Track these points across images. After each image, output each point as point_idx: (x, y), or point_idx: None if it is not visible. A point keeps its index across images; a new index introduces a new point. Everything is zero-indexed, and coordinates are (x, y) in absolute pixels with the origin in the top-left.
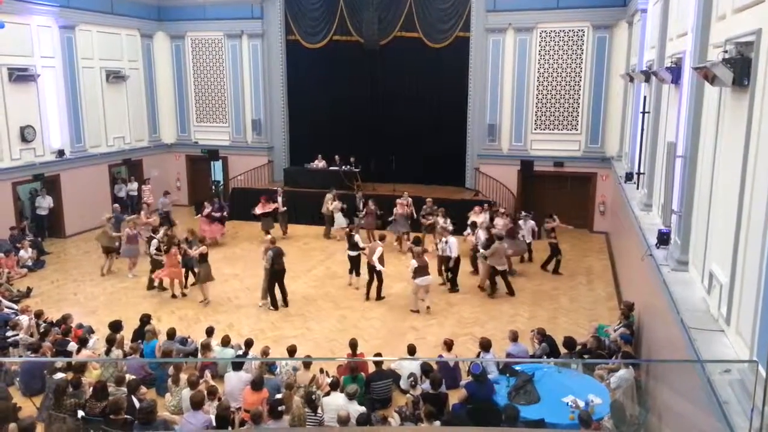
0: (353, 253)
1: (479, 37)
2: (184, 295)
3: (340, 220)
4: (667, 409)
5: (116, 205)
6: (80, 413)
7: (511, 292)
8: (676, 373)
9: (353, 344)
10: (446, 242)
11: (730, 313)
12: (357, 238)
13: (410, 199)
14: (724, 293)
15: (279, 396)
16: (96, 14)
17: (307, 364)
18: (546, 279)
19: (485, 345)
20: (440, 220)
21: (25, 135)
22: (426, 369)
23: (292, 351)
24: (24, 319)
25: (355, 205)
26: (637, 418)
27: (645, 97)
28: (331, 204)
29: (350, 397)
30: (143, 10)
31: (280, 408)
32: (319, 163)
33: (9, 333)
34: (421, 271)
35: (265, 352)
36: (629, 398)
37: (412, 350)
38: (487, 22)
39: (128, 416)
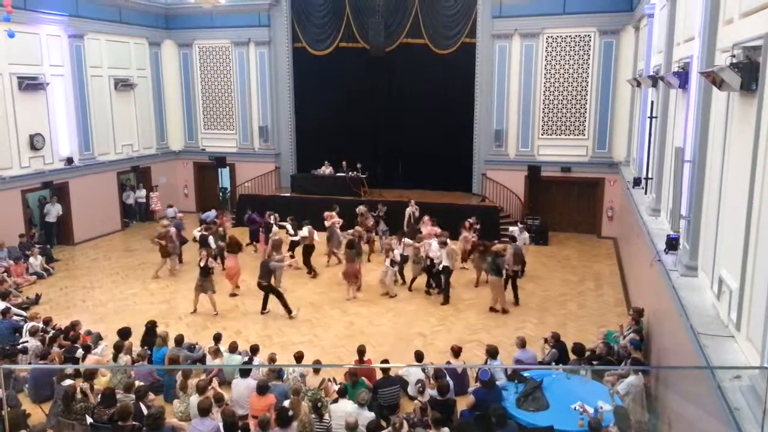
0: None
1: (485, 43)
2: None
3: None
4: (677, 415)
5: (180, 214)
6: (89, 419)
7: (427, 292)
8: (685, 380)
9: (361, 351)
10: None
11: (740, 319)
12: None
13: (417, 207)
14: (734, 299)
15: (286, 402)
16: (104, 23)
17: (316, 369)
18: (554, 285)
19: (492, 352)
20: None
21: (34, 143)
22: (439, 375)
23: (299, 357)
24: (36, 326)
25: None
26: (646, 424)
27: (652, 102)
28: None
29: (361, 404)
30: (151, 18)
31: (289, 414)
32: (326, 170)
33: (21, 340)
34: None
35: (272, 359)
36: (639, 405)
37: (419, 356)
38: (494, 28)
39: (136, 423)
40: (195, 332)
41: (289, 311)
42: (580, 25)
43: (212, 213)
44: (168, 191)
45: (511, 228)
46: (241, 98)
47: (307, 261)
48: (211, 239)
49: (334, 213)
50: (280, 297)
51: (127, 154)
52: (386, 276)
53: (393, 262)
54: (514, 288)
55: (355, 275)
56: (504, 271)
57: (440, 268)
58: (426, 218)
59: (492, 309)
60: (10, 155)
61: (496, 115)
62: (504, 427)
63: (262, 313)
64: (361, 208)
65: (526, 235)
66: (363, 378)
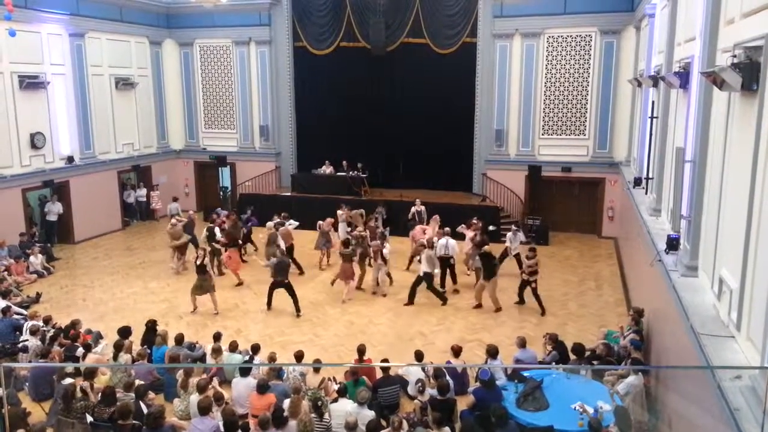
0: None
1: (486, 42)
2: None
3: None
4: (677, 415)
5: (191, 211)
6: (89, 418)
7: (410, 302)
8: (686, 380)
9: (361, 350)
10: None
11: (740, 319)
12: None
13: (423, 207)
14: (735, 299)
15: (287, 401)
16: (105, 22)
17: (316, 368)
18: (555, 284)
19: (492, 352)
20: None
21: (35, 142)
22: (439, 374)
23: (299, 356)
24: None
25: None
26: (646, 424)
27: (653, 102)
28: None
29: (361, 402)
30: (152, 17)
31: (284, 415)
32: (327, 169)
33: (21, 338)
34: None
35: (272, 358)
36: (638, 405)
37: (419, 356)
38: (494, 27)
39: (136, 421)
40: (195, 331)
41: (298, 310)
42: (581, 24)
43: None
44: (168, 190)
45: (508, 234)
46: (242, 97)
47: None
48: (217, 230)
49: (330, 219)
50: (294, 295)
51: (128, 153)
52: (379, 273)
53: (384, 260)
54: (521, 292)
55: (352, 274)
56: (496, 273)
57: (421, 275)
58: (435, 217)
59: (498, 309)
60: (10, 154)
61: (497, 114)
62: (504, 427)
63: (268, 309)
64: (346, 212)
65: (522, 236)
66: (364, 377)
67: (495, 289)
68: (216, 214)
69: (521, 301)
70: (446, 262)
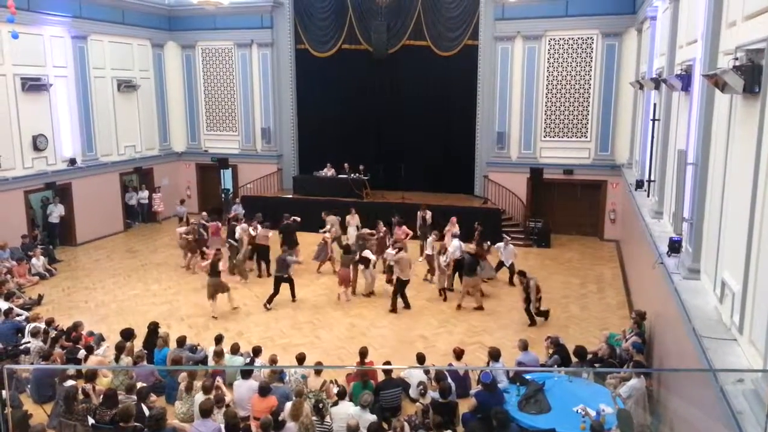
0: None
1: (488, 45)
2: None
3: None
4: (679, 418)
5: (204, 213)
6: (90, 420)
7: (393, 309)
8: (688, 383)
9: (363, 352)
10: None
11: (742, 322)
12: None
13: (429, 212)
14: (737, 301)
15: (288, 404)
16: (108, 24)
17: (317, 371)
18: (556, 287)
19: (494, 354)
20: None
21: (38, 144)
22: (440, 377)
23: (301, 359)
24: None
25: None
26: (649, 427)
27: (655, 105)
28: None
29: (364, 406)
30: (154, 20)
31: (280, 419)
32: (329, 171)
33: (23, 340)
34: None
35: (273, 360)
36: (641, 408)
37: (421, 359)
38: (496, 30)
39: (138, 424)
40: (196, 333)
41: (293, 296)
42: (583, 27)
43: (239, 207)
44: (170, 192)
45: (497, 245)
46: (244, 100)
47: (258, 260)
48: (239, 229)
49: (328, 233)
50: (292, 285)
51: (130, 155)
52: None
53: (388, 268)
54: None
55: (348, 279)
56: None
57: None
58: (452, 220)
59: (457, 306)
60: (13, 156)
61: (499, 117)
62: (506, 430)
63: (266, 306)
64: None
65: (512, 247)
66: (372, 381)
67: (470, 287)
68: (233, 212)
69: (533, 319)
70: (461, 264)
